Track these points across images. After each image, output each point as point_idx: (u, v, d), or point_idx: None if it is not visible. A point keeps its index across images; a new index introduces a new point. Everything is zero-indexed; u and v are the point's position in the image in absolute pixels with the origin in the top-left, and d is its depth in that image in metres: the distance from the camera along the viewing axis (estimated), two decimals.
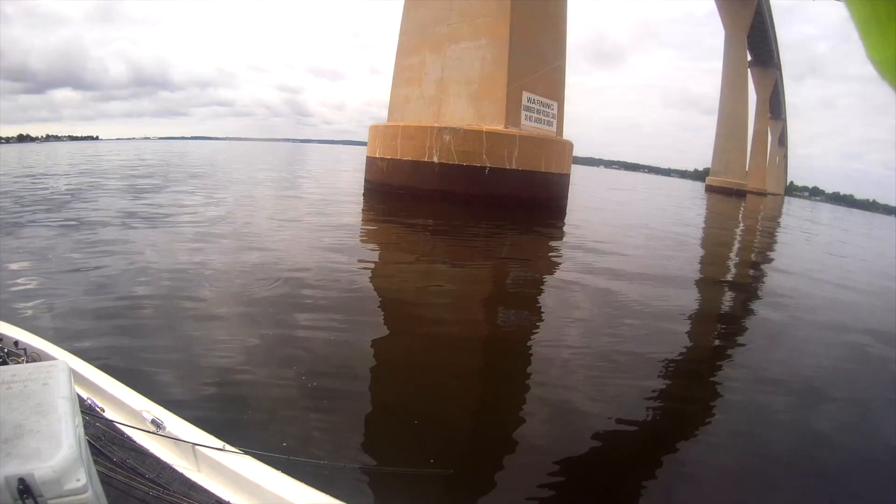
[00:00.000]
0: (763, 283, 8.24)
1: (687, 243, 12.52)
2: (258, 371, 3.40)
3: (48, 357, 1.93)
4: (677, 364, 4.32)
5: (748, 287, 7.92)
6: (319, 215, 10.66)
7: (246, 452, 1.51)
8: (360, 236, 9.19)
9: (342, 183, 21.51)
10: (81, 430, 1.08)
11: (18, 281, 5.03)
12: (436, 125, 14.61)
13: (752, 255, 11.79)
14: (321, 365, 3.55)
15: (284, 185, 18.52)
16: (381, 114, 17.78)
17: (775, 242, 15.41)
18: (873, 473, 2.99)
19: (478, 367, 4.07)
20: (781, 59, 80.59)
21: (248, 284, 5.36)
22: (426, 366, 3.85)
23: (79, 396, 1.33)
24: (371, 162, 16.65)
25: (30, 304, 4.39)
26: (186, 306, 4.55)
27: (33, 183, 13.35)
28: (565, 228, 12.65)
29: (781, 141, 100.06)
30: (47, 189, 12.07)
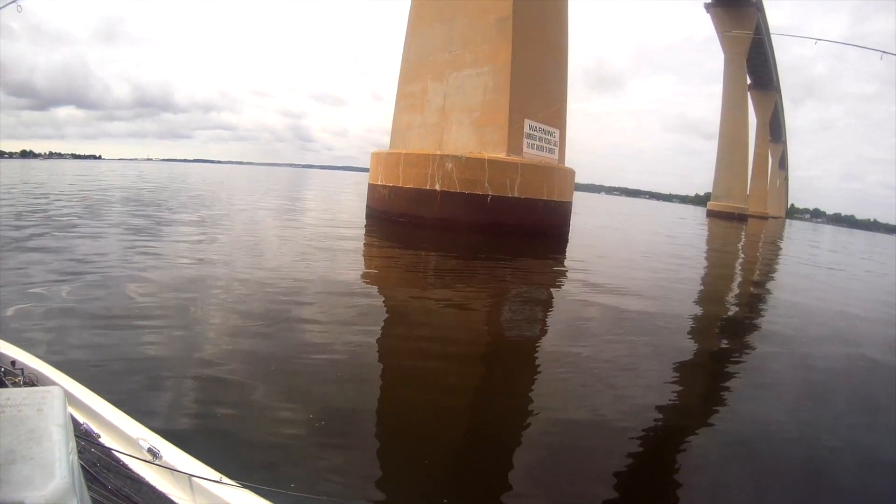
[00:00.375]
0: (763, 316, 8.11)
1: (688, 270, 12.42)
2: (258, 402, 3.33)
3: (45, 378, 1.90)
4: (678, 390, 4.34)
5: (748, 318, 7.80)
6: (322, 241, 10.60)
7: (244, 486, 1.45)
8: (363, 264, 9.15)
9: (344, 209, 21.49)
10: (75, 457, 1.05)
11: (17, 299, 4.99)
12: (438, 153, 14.63)
13: (752, 287, 11.66)
14: (323, 397, 3.49)
15: (287, 211, 18.51)
16: (383, 140, 17.86)
17: (777, 272, 15.29)
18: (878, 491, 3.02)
19: (484, 400, 4.00)
20: (780, 81, 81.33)
21: (248, 311, 5.31)
22: (430, 398, 3.78)
23: (74, 421, 1.33)
24: (373, 189, 16.64)
25: (27, 324, 4.36)
26: (184, 332, 4.50)
27: (39, 201, 13.33)
28: (567, 255, 12.59)
29: (782, 163, 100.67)
30: (55, 208, 12.03)
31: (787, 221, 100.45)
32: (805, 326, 7.20)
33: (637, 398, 4.03)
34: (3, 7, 7.70)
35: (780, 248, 24.05)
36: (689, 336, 6.32)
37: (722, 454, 3.35)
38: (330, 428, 3.06)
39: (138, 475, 1.51)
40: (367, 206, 17.15)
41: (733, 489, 2.96)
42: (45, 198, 15.60)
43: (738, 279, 12.67)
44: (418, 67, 16.79)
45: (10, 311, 4.64)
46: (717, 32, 62.54)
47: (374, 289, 7.27)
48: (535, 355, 5.05)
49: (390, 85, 17.97)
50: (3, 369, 1.85)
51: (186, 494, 1.49)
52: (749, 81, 69.29)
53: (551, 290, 8.38)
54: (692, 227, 34.46)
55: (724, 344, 6.36)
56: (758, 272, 14.40)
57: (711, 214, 59.13)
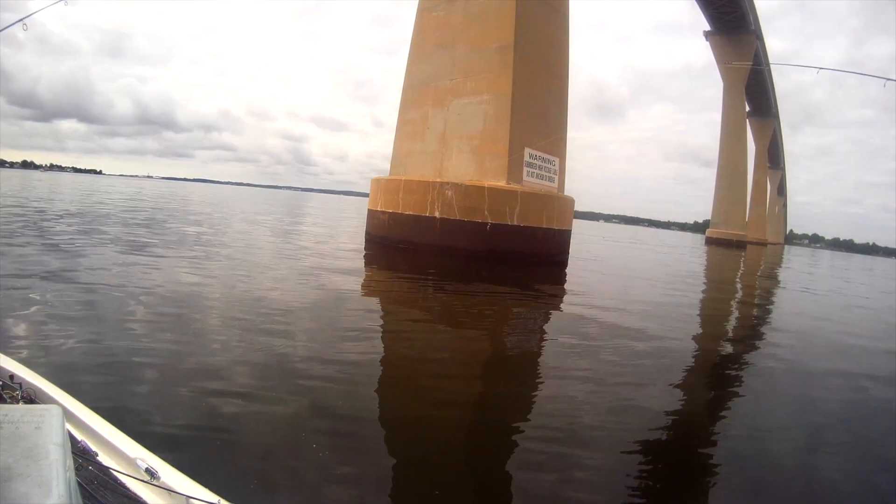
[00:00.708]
0: (763, 341, 8.05)
1: (687, 298, 12.38)
2: (256, 427, 3.30)
3: (43, 394, 1.89)
4: (680, 416, 4.34)
5: (749, 344, 7.76)
6: (321, 266, 10.56)
7: None
8: (362, 290, 9.11)
9: (343, 234, 21.54)
10: (73, 475, 1.06)
11: (16, 314, 5.01)
12: (438, 180, 14.67)
13: (753, 312, 11.60)
14: (321, 424, 3.44)
15: (287, 234, 18.47)
16: (383, 166, 17.92)
17: (775, 303, 15.23)
18: None
19: (480, 421, 4.01)
20: (779, 107, 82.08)
21: (247, 331, 5.31)
22: (428, 421, 3.77)
23: (72, 438, 1.33)
24: (372, 215, 16.66)
25: (26, 339, 4.37)
26: (183, 354, 4.48)
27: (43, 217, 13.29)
28: (567, 284, 12.56)
29: (780, 190, 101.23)
30: (60, 223, 11.99)
31: (786, 247, 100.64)
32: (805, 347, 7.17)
33: (633, 418, 4.06)
34: (8, 26, 7.79)
35: (779, 275, 24.03)
36: (689, 358, 6.38)
37: (721, 468, 3.39)
38: (324, 454, 3.02)
39: (135, 495, 1.49)
40: (367, 232, 17.16)
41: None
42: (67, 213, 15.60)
43: (737, 306, 12.60)
44: (419, 94, 16.91)
45: (9, 325, 4.64)
46: (717, 60, 63.28)
47: (373, 312, 7.31)
48: (533, 376, 5.11)
49: (391, 111, 18.09)
50: (1, 384, 1.86)
51: None
52: (748, 109, 69.91)
53: (549, 316, 8.37)
54: (690, 254, 34.51)
55: (725, 368, 6.32)
56: (756, 300, 14.34)
57: (710, 242, 59.28)
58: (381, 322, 6.85)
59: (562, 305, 9.42)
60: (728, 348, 7.47)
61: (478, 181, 14.33)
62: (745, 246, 57.41)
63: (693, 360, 6.45)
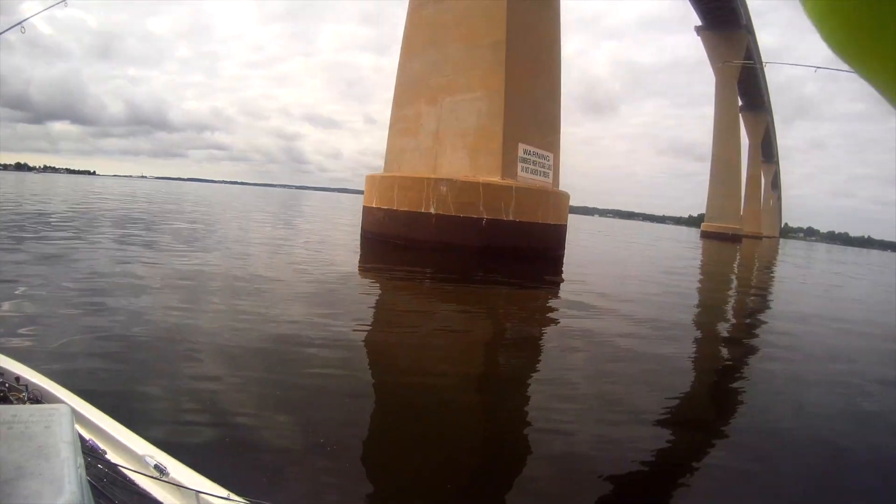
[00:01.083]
0: (761, 333, 8.11)
1: (683, 292, 12.45)
2: (262, 422, 3.34)
3: (49, 395, 1.89)
4: (678, 413, 4.30)
5: (748, 336, 7.82)
6: (318, 262, 10.63)
7: (251, 502, 1.45)
8: (359, 286, 9.17)
9: (339, 231, 21.55)
10: (83, 473, 1.06)
11: (19, 315, 5.03)
12: (432, 176, 14.68)
13: (749, 306, 11.66)
14: (326, 418, 3.50)
15: (282, 231, 18.46)
16: (376, 163, 17.92)
17: (774, 292, 15.31)
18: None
19: (482, 423, 4.01)
20: (772, 102, 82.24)
21: (245, 332, 5.30)
22: (428, 416, 3.82)
23: (80, 437, 1.33)
24: (367, 212, 16.68)
25: (31, 340, 4.39)
26: (183, 355, 4.46)
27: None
28: (563, 278, 12.60)
29: (774, 183, 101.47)
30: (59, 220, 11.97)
31: (782, 241, 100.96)
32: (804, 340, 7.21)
33: (632, 413, 4.07)
34: (6, 30, 7.81)
35: (775, 269, 24.13)
36: (686, 352, 6.41)
37: (725, 465, 3.38)
38: (331, 445, 3.07)
39: (145, 491, 1.50)
40: (362, 229, 17.16)
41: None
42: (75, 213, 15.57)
43: (734, 299, 12.66)
44: (412, 91, 16.92)
45: (13, 327, 4.65)
46: (708, 56, 63.36)
47: (370, 307, 7.35)
48: (530, 372, 5.11)
49: (383, 108, 18.07)
50: (7, 385, 1.85)
51: None
52: (741, 103, 70.10)
53: (546, 311, 8.39)
54: (685, 248, 34.57)
55: (724, 361, 6.40)
56: (753, 292, 14.41)
57: (706, 235, 59.36)
58: (378, 317, 6.88)
59: (558, 301, 9.46)
60: (729, 349, 7.47)
61: (472, 177, 14.35)
62: (740, 240, 57.51)
63: (690, 358, 6.42)
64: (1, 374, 1.96)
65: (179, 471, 1.56)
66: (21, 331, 4.61)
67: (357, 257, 13.47)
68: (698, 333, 7.98)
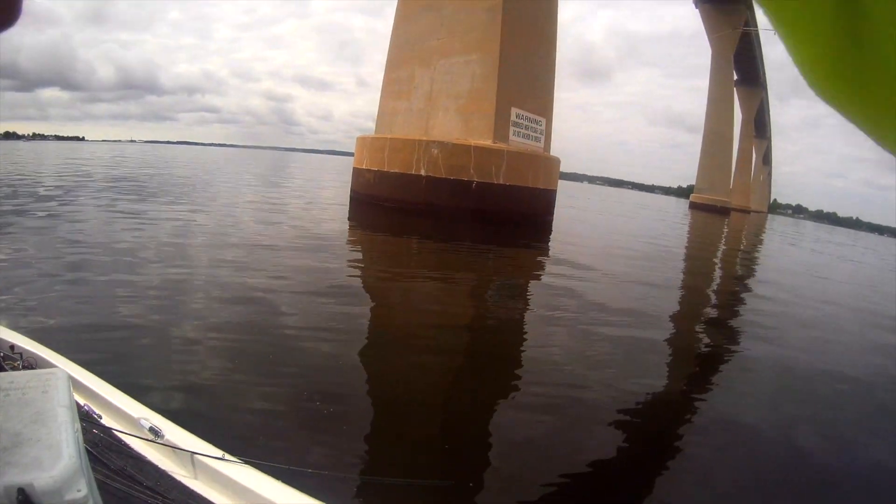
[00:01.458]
0: (745, 307, 8.27)
1: (670, 260, 12.60)
2: (255, 382, 3.41)
3: (44, 362, 1.89)
4: (659, 390, 4.32)
5: (731, 311, 7.96)
6: (306, 224, 10.65)
7: (245, 462, 1.48)
8: (347, 249, 9.17)
9: (328, 192, 21.51)
10: (80, 438, 1.04)
11: (12, 284, 4.98)
12: (424, 138, 14.62)
13: (735, 277, 11.85)
14: (317, 377, 3.58)
15: (271, 191, 18.38)
16: (367, 125, 17.80)
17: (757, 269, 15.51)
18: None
19: (468, 381, 4.09)
20: (767, 78, 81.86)
21: (236, 289, 5.41)
22: (418, 379, 3.87)
23: (76, 403, 1.26)
24: (358, 173, 16.63)
25: (24, 307, 4.37)
26: (175, 319, 4.49)
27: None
28: (551, 244, 12.69)
29: (766, 159, 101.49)
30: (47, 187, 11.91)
31: (770, 216, 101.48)
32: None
33: (611, 389, 4.09)
34: None
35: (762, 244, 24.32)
36: (669, 325, 6.48)
37: (706, 450, 3.36)
38: (322, 407, 3.13)
39: (141, 454, 1.52)
40: (352, 190, 17.14)
41: (717, 487, 2.98)
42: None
43: (717, 272, 12.84)
44: (406, 53, 16.74)
45: (5, 296, 4.62)
46: (706, 28, 62.81)
47: (356, 273, 7.33)
48: (517, 344, 5.11)
49: (375, 71, 17.86)
50: (2, 354, 1.85)
51: (189, 472, 1.51)
52: (736, 77, 69.70)
53: (535, 278, 8.48)
54: (674, 218, 34.70)
55: (705, 337, 6.45)
56: (738, 267, 14.61)
57: (694, 206, 59.63)
58: (365, 279, 6.93)
59: (546, 266, 9.56)
60: (711, 324, 7.56)
61: (464, 140, 14.30)
62: (728, 213, 57.88)
63: (673, 322, 6.62)
64: None
65: (174, 432, 1.58)
66: (8, 298, 4.58)
67: (346, 219, 13.47)
68: (680, 303, 8.13)
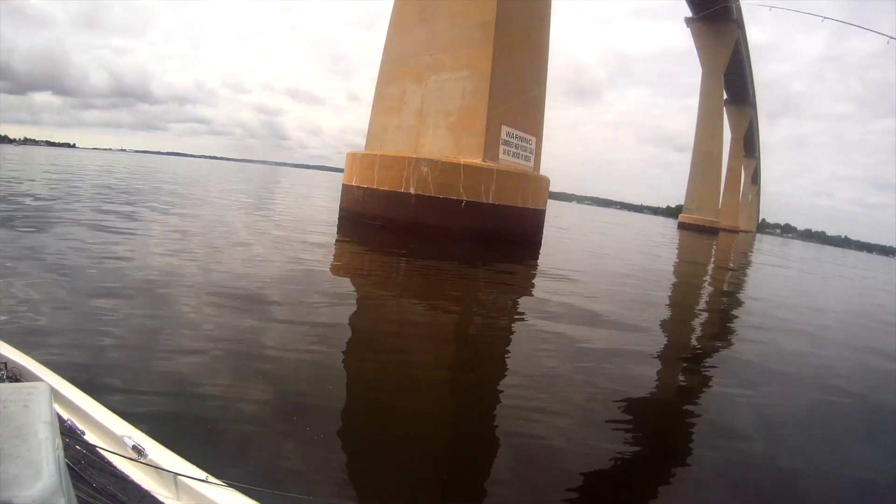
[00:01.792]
0: (734, 326, 8.19)
1: (660, 282, 12.52)
2: (241, 402, 3.31)
3: (28, 372, 1.87)
4: (651, 406, 4.32)
5: (720, 328, 7.91)
6: (293, 242, 10.44)
7: (230, 485, 1.43)
8: (333, 267, 9.00)
9: (317, 209, 21.39)
10: (62, 454, 1.05)
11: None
12: (414, 156, 14.53)
13: (721, 299, 11.77)
14: (303, 400, 3.47)
15: (258, 208, 18.24)
16: (357, 141, 17.75)
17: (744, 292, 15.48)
18: None
19: (458, 397, 4.07)
20: (757, 97, 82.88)
21: (220, 309, 5.28)
22: (408, 399, 3.81)
23: (59, 417, 1.33)
24: (347, 190, 16.49)
25: (8, 317, 4.27)
26: (158, 330, 4.46)
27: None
28: (539, 264, 12.54)
29: (754, 178, 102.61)
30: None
31: (758, 236, 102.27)
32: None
33: (601, 407, 4.01)
34: None
35: (749, 265, 24.42)
36: (657, 345, 6.38)
37: (701, 461, 3.37)
38: (311, 432, 3.04)
39: (123, 473, 1.48)
40: (340, 208, 16.98)
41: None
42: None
43: (708, 292, 12.77)
44: (398, 69, 16.69)
45: None
46: (697, 47, 63.44)
47: (344, 289, 7.30)
48: (505, 362, 5.02)
49: (367, 85, 17.89)
50: None
51: (172, 493, 1.46)
52: (726, 96, 70.43)
53: (523, 298, 8.34)
54: (662, 238, 34.83)
55: (697, 351, 6.44)
56: (727, 282, 14.56)
57: (683, 227, 59.91)
58: (352, 299, 6.82)
59: (534, 286, 9.44)
60: (700, 338, 7.54)
61: (454, 158, 14.22)
62: (717, 232, 58.19)
63: (661, 346, 6.47)
64: None
65: (158, 452, 1.54)
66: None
67: (333, 236, 13.27)
68: (668, 323, 7.99)
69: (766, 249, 43.50)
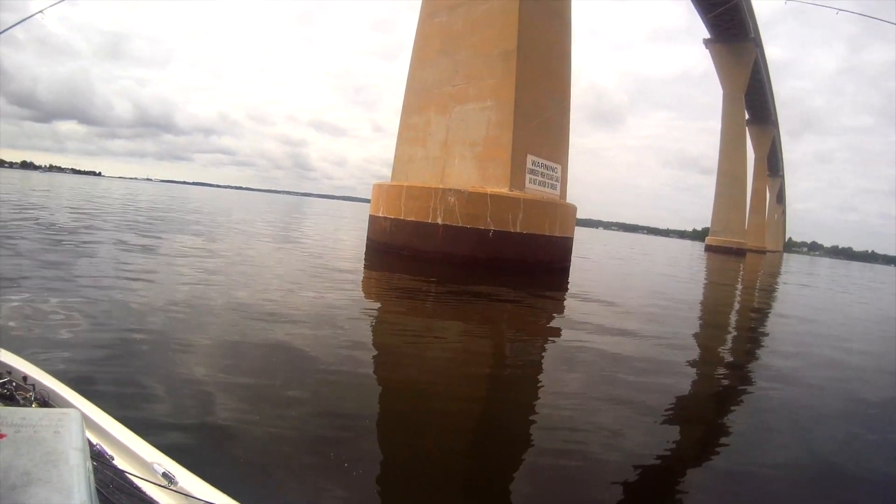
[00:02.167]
0: (766, 356, 8.00)
1: (690, 307, 12.34)
2: (273, 429, 3.30)
3: (57, 396, 1.87)
4: (677, 429, 4.28)
5: (754, 343, 7.77)
6: (323, 272, 10.51)
7: None
8: (363, 295, 9.04)
9: (345, 239, 21.59)
10: (92, 480, 1.04)
11: (26, 313, 5.04)
12: (440, 186, 14.60)
13: (752, 324, 11.54)
14: (335, 429, 3.44)
15: (289, 239, 18.42)
16: (382, 171, 17.89)
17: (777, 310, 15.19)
18: None
19: (478, 431, 3.98)
20: (778, 115, 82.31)
21: (249, 337, 5.30)
22: (432, 426, 3.79)
23: (88, 441, 1.28)
24: (374, 220, 16.60)
25: (37, 339, 4.36)
26: (188, 359, 4.45)
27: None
28: (569, 291, 12.45)
29: (779, 197, 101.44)
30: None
31: (785, 255, 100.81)
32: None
33: (635, 434, 3.98)
34: (30, 16, 8.09)
35: (778, 285, 24.02)
36: (690, 374, 6.24)
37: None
38: (347, 464, 3.00)
39: (152, 500, 1.46)
40: (368, 238, 17.09)
41: None
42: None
43: (738, 317, 12.54)
44: (422, 99, 16.90)
45: (19, 326, 4.65)
46: (716, 68, 63.40)
47: (373, 318, 7.26)
48: (533, 388, 5.01)
49: (390, 116, 18.18)
50: (14, 384, 1.84)
51: None
52: (747, 116, 70.04)
53: (552, 327, 8.25)
54: (690, 262, 34.46)
55: (726, 383, 6.20)
56: (757, 304, 14.31)
57: (710, 249, 59.31)
58: (382, 328, 6.82)
59: (564, 314, 9.38)
60: (734, 373, 7.36)
61: (480, 188, 14.27)
62: (744, 254, 57.47)
63: (697, 376, 6.31)
64: (8, 372, 1.94)
65: (188, 480, 1.52)
66: (25, 329, 4.60)
67: (362, 267, 13.36)
68: (703, 350, 7.83)
69: (793, 269, 42.86)
